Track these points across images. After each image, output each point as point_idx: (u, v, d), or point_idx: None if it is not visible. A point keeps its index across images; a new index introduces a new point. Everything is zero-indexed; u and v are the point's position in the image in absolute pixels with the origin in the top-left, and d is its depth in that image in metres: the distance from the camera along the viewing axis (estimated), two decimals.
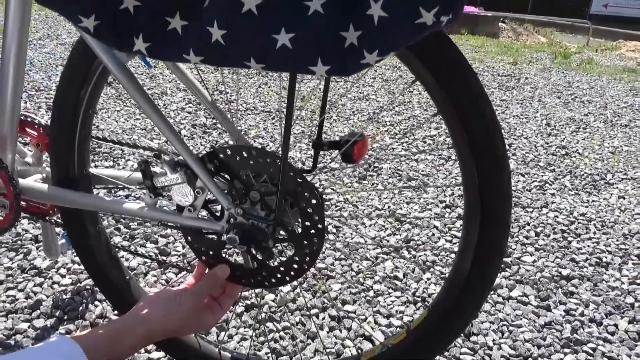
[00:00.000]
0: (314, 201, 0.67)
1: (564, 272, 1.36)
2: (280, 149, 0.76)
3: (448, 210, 1.69)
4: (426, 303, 1.21)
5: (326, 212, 1.37)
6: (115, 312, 1.09)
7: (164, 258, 1.31)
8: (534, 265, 1.39)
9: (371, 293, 1.23)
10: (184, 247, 1.35)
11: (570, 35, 8.49)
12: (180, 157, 0.69)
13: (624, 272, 1.39)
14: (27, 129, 0.95)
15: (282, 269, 0.74)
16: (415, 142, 2.33)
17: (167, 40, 0.51)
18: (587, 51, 6.33)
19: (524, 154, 2.30)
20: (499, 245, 0.68)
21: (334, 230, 1.51)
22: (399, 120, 2.64)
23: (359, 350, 1.04)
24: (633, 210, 1.79)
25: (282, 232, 0.72)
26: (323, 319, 1.13)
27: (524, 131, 2.63)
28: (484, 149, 0.62)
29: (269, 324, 1.10)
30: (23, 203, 0.86)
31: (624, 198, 1.89)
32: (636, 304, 1.25)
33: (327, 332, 1.09)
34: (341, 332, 1.09)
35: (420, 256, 1.40)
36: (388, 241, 1.47)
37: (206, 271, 0.78)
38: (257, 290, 1.19)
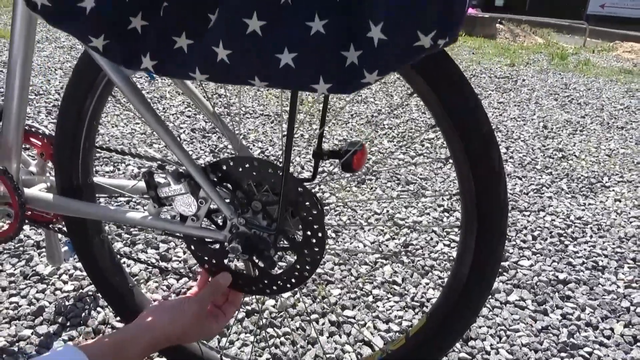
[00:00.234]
0: (314, 211, 0.68)
1: (561, 276, 1.38)
2: (281, 158, 0.78)
3: (446, 214, 1.71)
4: (424, 309, 1.23)
5: (326, 217, 1.38)
6: (118, 318, 1.10)
7: (165, 265, 1.32)
8: (531, 269, 1.41)
9: (370, 298, 1.24)
10: (184, 252, 1.37)
11: (567, 36, 8.52)
12: (184, 168, 0.71)
13: (620, 275, 1.41)
14: (31, 139, 0.96)
15: (284, 277, 0.76)
16: (413, 145, 2.35)
17: (174, 59, 0.53)
18: (584, 52, 6.36)
19: (521, 156, 2.31)
20: (496, 251, 0.69)
21: (333, 235, 1.52)
22: (397, 123, 2.66)
23: (359, 356, 1.06)
24: (629, 213, 1.81)
25: (283, 241, 0.73)
26: (323, 324, 1.15)
27: (521, 134, 2.65)
28: (481, 159, 0.64)
29: (270, 330, 1.11)
30: (28, 212, 0.88)
31: (620, 201, 1.91)
32: (632, 308, 1.27)
33: (327, 338, 1.11)
34: (341, 338, 1.11)
35: (418, 261, 1.42)
36: (387, 246, 1.48)
37: (209, 279, 0.80)
38: (257, 296, 1.20)
